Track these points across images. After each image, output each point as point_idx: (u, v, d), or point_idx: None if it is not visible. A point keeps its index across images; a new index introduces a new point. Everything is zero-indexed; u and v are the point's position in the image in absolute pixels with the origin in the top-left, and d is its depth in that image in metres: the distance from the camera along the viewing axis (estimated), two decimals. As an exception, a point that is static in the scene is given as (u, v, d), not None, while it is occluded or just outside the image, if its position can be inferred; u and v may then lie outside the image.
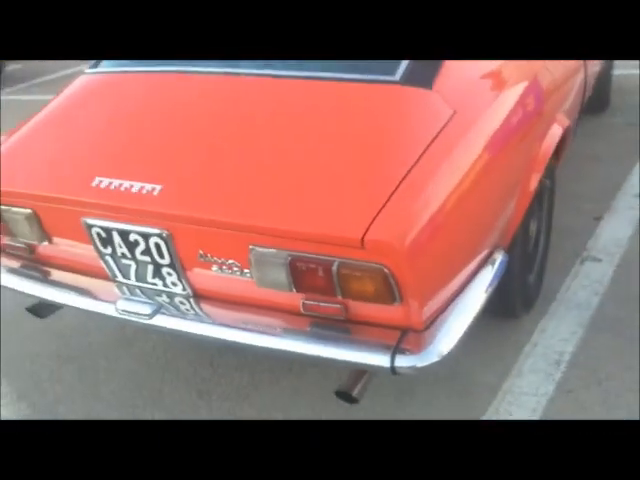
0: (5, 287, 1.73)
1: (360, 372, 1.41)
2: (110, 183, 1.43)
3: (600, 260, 2.33)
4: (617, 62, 4.73)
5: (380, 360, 1.27)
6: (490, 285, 1.49)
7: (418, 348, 1.29)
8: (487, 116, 1.56)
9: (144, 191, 1.38)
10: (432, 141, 1.38)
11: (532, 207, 1.86)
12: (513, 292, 1.87)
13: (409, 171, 1.31)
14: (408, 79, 1.49)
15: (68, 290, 1.64)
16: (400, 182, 1.28)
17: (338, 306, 1.33)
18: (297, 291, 1.34)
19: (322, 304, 1.34)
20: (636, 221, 2.56)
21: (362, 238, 1.19)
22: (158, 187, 1.38)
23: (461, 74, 1.60)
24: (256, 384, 1.90)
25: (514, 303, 1.92)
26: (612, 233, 2.50)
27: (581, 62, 2.34)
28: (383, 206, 1.24)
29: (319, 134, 1.42)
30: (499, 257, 1.58)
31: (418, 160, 1.33)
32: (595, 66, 2.75)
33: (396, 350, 1.27)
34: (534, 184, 1.73)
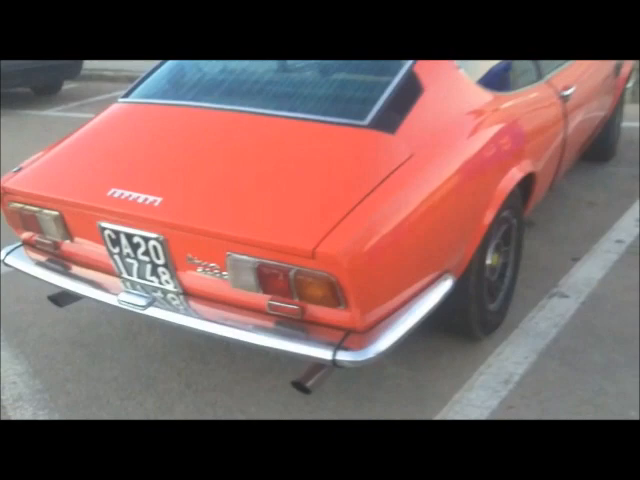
0: (33, 276, 2.05)
1: (316, 367, 1.66)
2: (122, 194, 1.74)
3: (567, 296, 2.53)
4: (631, 115, 4.95)
5: (324, 354, 1.52)
6: (432, 304, 1.73)
7: (358, 346, 1.54)
8: (443, 159, 1.81)
9: (147, 202, 1.68)
10: (386, 177, 1.64)
11: (490, 241, 2.10)
12: (470, 315, 2.10)
13: (362, 200, 1.57)
14: (376, 124, 1.77)
15: (82, 282, 1.94)
16: (353, 208, 1.55)
17: (296, 307, 1.59)
18: (263, 293, 1.61)
19: (282, 305, 1.60)
20: (610, 264, 2.75)
21: (313, 250, 1.46)
22: (159, 199, 1.68)
23: (426, 121, 1.86)
24: (239, 380, 2.16)
25: (471, 325, 2.14)
26: (585, 273, 2.69)
27: (560, 117, 2.57)
28: (335, 226, 1.50)
29: (293, 164, 1.71)
30: (446, 281, 1.82)
31: (371, 191, 1.60)
32: (583, 121, 2.97)
33: (338, 347, 1.52)
34: (488, 220, 1.96)
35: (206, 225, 1.60)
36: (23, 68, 6.69)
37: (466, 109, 2.03)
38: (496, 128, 2.08)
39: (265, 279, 1.57)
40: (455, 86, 2.02)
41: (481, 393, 2.02)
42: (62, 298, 2.17)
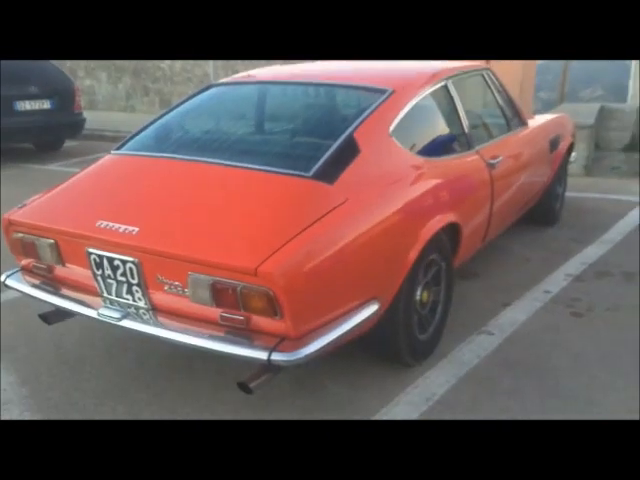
0: (28, 295, 2.42)
1: (260, 372, 2.01)
2: (107, 224, 2.14)
3: (493, 334, 2.90)
4: (582, 187, 5.48)
5: (262, 355, 1.88)
6: (356, 322, 2.11)
7: (290, 350, 1.90)
8: (374, 205, 2.23)
9: (127, 231, 2.08)
10: (322, 216, 2.05)
11: (418, 278, 2.49)
12: (399, 341, 2.46)
13: (299, 232, 1.97)
14: (318, 176, 2.20)
15: (69, 300, 2.31)
16: (291, 238, 1.94)
17: (242, 318, 1.96)
18: (216, 306, 1.99)
19: (231, 316, 1.98)
20: (535, 310, 3.15)
21: (256, 269, 1.84)
22: (136, 229, 2.08)
23: (361, 176, 2.29)
24: (199, 394, 2.49)
25: (401, 352, 2.50)
26: (512, 316, 3.08)
27: (487, 181, 3.01)
28: (275, 251, 1.89)
29: (247, 203, 2.13)
30: (372, 306, 2.20)
31: (308, 227, 2.00)
32: (514, 187, 3.42)
33: (273, 349, 1.89)
34: (412, 257, 2.35)
35: (172, 249, 2.00)
36: (27, 125, 7.24)
37: (397, 169, 2.46)
38: (422, 184, 2.51)
39: (218, 294, 1.96)
40: (388, 150, 2.46)
41: (405, 407, 2.36)
42: (51, 317, 2.53)
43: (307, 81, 2.91)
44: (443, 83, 2.96)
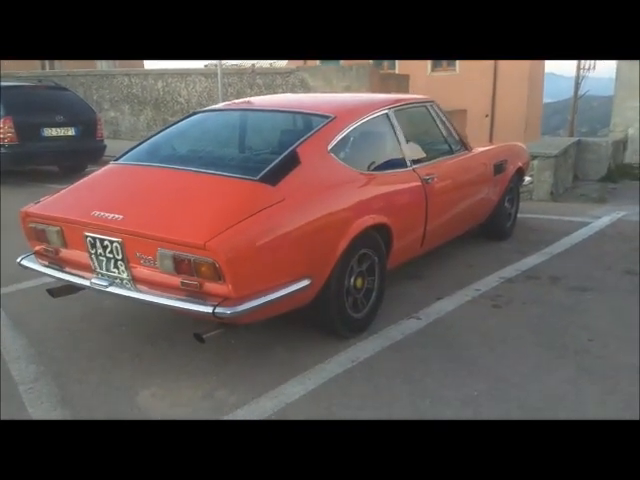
0: (39, 272, 3.08)
1: (215, 326, 2.63)
2: (100, 213, 2.80)
3: (420, 319, 3.49)
4: (537, 209, 6.08)
5: (209, 309, 2.49)
6: (287, 292, 2.72)
7: (231, 306, 2.52)
8: (307, 203, 2.87)
9: (114, 218, 2.74)
10: (263, 209, 2.68)
11: (349, 266, 3.09)
12: (331, 313, 3.06)
13: (241, 220, 2.60)
14: (263, 180, 2.84)
15: (71, 275, 2.97)
16: (233, 225, 2.56)
17: (196, 283, 2.59)
18: (177, 274, 2.62)
19: (188, 282, 2.60)
20: (462, 303, 3.72)
21: (205, 244, 2.47)
22: (121, 216, 2.74)
23: (300, 182, 2.92)
24: (182, 352, 3.11)
25: (335, 323, 3.10)
26: (440, 307, 3.66)
27: (421, 193, 3.63)
28: (220, 233, 2.51)
29: (206, 198, 2.78)
30: (302, 283, 2.81)
31: (249, 216, 2.62)
32: (452, 203, 4.04)
33: (217, 306, 2.50)
34: (341, 249, 2.96)
35: (146, 230, 2.65)
36: (52, 150, 8.07)
37: (332, 178, 3.10)
38: (355, 191, 3.15)
39: (178, 265, 2.59)
40: (325, 164, 3.11)
41: (333, 366, 2.95)
42: (56, 291, 3.19)
43: (267, 108, 3.61)
44: (384, 112, 3.62)
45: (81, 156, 8.70)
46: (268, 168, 2.91)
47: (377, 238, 3.30)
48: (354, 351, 3.10)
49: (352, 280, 3.18)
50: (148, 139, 3.57)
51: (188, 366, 2.98)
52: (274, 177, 2.87)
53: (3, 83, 8.31)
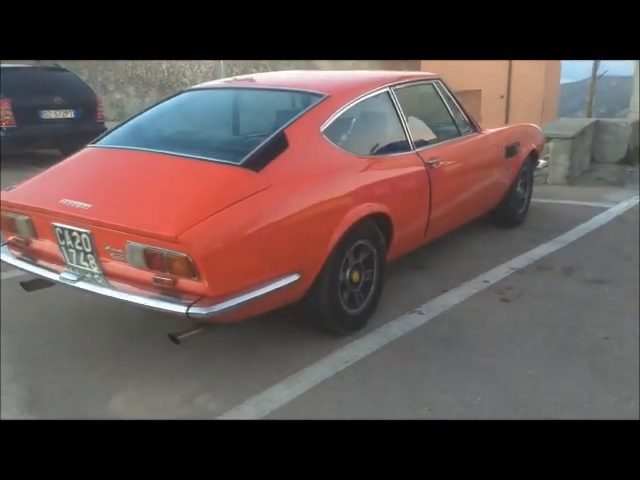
0: (11, 265, 2.86)
1: (192, 326, 2.39)
2: (68, 202, 2.56)
3: (423, 314, 3.23)
4: (553, 193, 5.76)
5: (182, 309, 2.26)
6: (272, 291, 2.47)
7: (208, 306, 2.28)
8: (296, 191, 2.60)
9: (82, 207, 2.50)
10: (243, 198, 2.43)
11: (344, 258, 2.83)
12: (324, 314, 2.82)
13: (220, 210, 2.35)
14: (246, 165, 2.58)
15: (42, 268, 2.74)
16: (212, 214, 2.32)
17: (169, 280, 2.35)
18: (149, 269, 2.38)
19: (161, 278, 2.36)
20: (469, 296, 3.46)
21: (177, 237, 2.22)
22: (89, 205, 2.50)
23: (288, 167, 2.66)
24: (158, 344, 2.89)
25: (327, 322, 2.86)
26: (445, 300, 3.40)
27: (424, 179, 3.35)
28: (195, 224, 2.26)
29: (183, 185, 2.53)
30: (290, 278, 2.56)
31: (228, 206, 2.37)
32: (460, 188, 3.75)
33: (192, 305, 2.26)
34: (334, 241, 2.70)
35: (114, 221, 2.40)
36: (51, 132, 7.85)
37: (325, 163, 2.83)
38: (350, 177, 2.88)
39: (149, 259, 2.35)
40: (317, 147, 2.83)
41: (324, 368, 2.71)
42: (30, 284, 2.96)
43: (256, 87, 3.32)
44: (385, 90, 3.33)
45: (81, 139, 8.44)
46: (252, 152, 2.65)
47: (375, 228, 3.03)
48: (349, 350, 2.86)
49: (347, 274, 2.93)
50: (129, 120, 3.31)
51: (168, 366, 2.75)
52: (258, 162, 2.61)
53: (2, 65, 8.09)
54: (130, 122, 3.28)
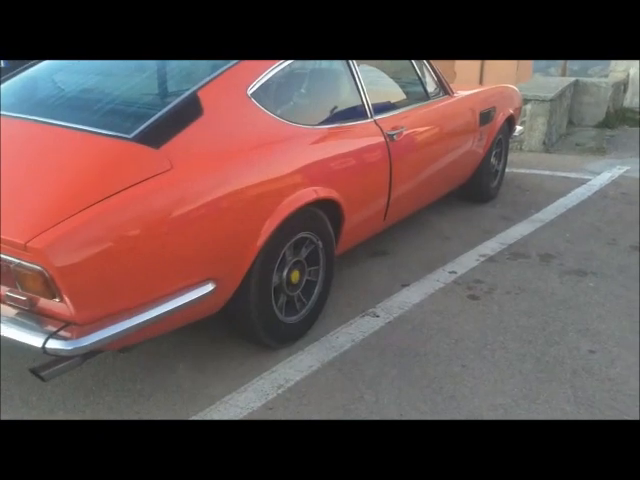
0: None
1: (57, 359, 1.77)
2: None
3: (378, 316, 2.70)
4: (528, 162, 5.22)
5: (36, 341, 1.65)
6: (175, 309, 1.89)
7: (75, 336, 1.67)
8: (209, 174, 1.99)
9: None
10: (131, 185, 1.79)
11: (278, 255, 2.26)
12: (252, 322, 2.26)
13: (95, 203, 1.70)
14: (140, 139, 1.93)
15: None
16: (80, 210, 1.67)
17: (24, 299, 1.73)
18: (3, 284, 1.76)
19: (15, 296, 1.74)
20: (432, 292, 2.93)
21: (25, 244, 1.60)
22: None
23: (199, 142, 2.03)
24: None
25: (257, 332, 2.30)
26: (405, 298, 2.87)
27: (384, 153, 2.75)
28: (55, 224, 1.63)
29: (47, 169, 1.87)
30: (201, 290, 1.97)
31: (108, 197, 1.72)
32: (426, 161, 3.18)
33: (52, 336, 1.65)
34: (264, 236, 2.12)
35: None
36: None
37: (253, 135, 2.21)
38: (284, 154, 2.28)
39: (0, 272, 1.72)
40: (242, 114, 2.21)
41: (251, 395, 2.17)
42: None
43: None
44: (334, 44, 2.69)
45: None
46: (150, 121, 2.01)
47: (321, 216, 2.46)
48: (283, 371, 2.32)
49: (285, 274, 2.36)
50: (12, 76, 2.61)
51: (51, 399, 2.18)
52: (158, 135, 1.97)
53: None
54: (10, 80, 2.58)
